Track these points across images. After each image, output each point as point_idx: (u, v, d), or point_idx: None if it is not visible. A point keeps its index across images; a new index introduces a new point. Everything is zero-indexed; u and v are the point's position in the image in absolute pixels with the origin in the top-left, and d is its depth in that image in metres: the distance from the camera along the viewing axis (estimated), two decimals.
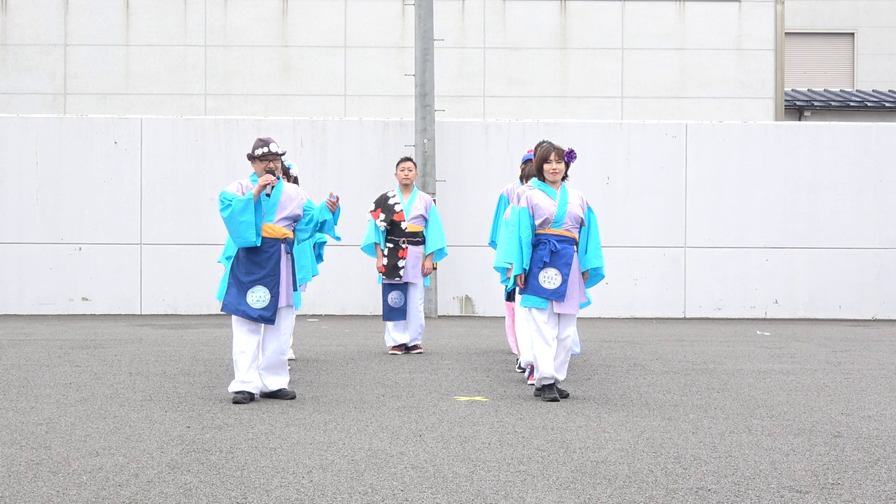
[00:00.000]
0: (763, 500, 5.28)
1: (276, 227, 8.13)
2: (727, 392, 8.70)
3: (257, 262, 8.08)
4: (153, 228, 16.05)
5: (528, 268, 8.26)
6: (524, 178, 9.62)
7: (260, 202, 8.06)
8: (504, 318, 11.74)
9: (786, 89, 24.60)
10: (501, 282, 9.94)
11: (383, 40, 20.75)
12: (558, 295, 8.19)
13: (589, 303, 8.58)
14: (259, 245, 8.05)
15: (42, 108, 20.39)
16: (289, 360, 9.64)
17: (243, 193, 8.06)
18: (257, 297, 8.03)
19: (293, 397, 8.22)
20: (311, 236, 8.69)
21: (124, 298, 16.03)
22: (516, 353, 10.99)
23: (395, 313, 11.33)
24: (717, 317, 16.26)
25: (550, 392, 8.18)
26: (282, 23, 20.74)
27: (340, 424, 7.12)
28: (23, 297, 15.96)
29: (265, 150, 8.10)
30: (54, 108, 20.43)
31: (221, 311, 8.25)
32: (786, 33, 22.76)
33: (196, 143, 16.12)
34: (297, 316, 9.06)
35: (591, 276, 8.45)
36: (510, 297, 10.32)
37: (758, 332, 14.00)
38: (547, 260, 8.21)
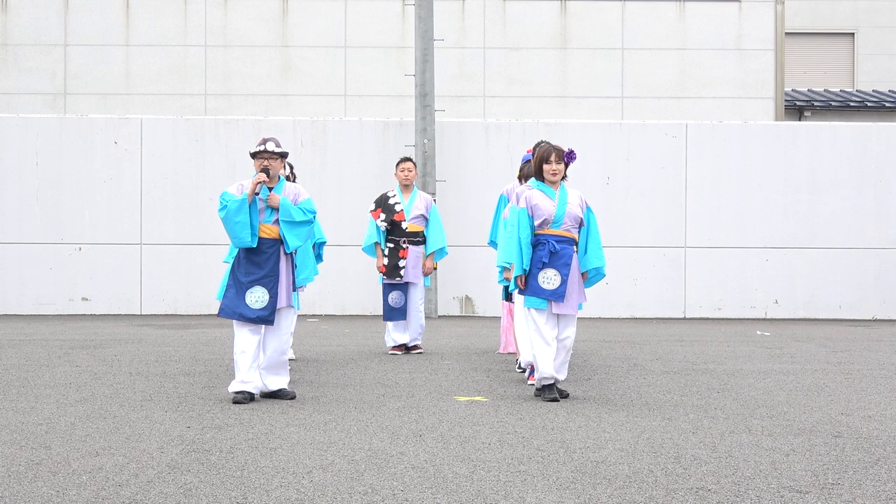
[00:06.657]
0: (763, 500, 5.28)
1: (275, 228, 8.11)
2: (727, 392, 8.70)
3: (256, 263, 8.07)
4: (153, 228, 16.05)
5: (527, 269, 8.25)
6: (522, 178, 9.62)
7: (256, 202, 8.04)
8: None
9: (786, 89, 24.60)
10: (499, 281, 9.94)
11: (383, 40, 20.74)
12: (557, 295, 8.18)
13: (580, 306, 8.56)
14: (257, 245, 8.04)
15: (42, 108, 20.39)
16: (289, 360, 9.64)
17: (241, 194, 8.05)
18: (256, 297, 8.02)
19: (293, 397, 8.22)
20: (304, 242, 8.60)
21: (124, 298, 16.03)
22: (501, 352, 11.09)
23: (395, 313, 11.33)
24: (717, 317, 16.26)
25: (550, 392, 8.18)
26: (282, 23, 20.74)
27: (340, 424, 7.12)
28: (23, 297, 15.96)
29: (261, 148, 8.09)
30: (54, 108, 20.43)
31: (218, 315, 8.22)
32: (786, 33, 22.75)
33: (196, 143, 16.12)
34: (298, 316, 9.05)
35: (592, 276, 8.43)
36: (509, 296, 10.32)
37: (758, 332, 14.00)
38: (546, 260, 8.20)
